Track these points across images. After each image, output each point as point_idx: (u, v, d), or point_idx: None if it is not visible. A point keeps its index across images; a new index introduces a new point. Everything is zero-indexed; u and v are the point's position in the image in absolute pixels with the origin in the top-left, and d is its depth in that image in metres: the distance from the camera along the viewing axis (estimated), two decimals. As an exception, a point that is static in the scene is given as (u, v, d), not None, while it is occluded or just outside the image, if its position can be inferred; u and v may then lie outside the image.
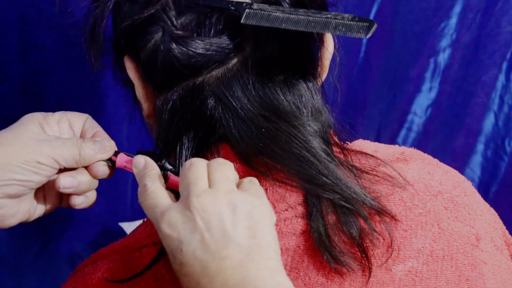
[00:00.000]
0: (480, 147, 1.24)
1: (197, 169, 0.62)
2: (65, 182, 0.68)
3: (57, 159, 0.66)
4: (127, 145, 1.09)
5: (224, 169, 0.62)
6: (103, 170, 0.70)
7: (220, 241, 0.57)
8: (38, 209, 0.71)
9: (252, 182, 0.63)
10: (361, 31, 0.65)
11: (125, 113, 1.08)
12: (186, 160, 0.68)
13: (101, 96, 1.06)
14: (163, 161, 0.69)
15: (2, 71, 0.98)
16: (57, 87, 1.02)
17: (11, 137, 0.66)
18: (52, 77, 1.01)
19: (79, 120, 0.73)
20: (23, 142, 0.66)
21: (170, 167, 0.69)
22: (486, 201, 0.80)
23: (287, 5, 0.68)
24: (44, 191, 0.71)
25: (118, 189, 1.14)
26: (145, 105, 0.74)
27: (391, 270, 0.67)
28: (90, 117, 0.73)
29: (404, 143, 1.24)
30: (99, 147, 0.69)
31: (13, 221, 0.68)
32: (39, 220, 0.72)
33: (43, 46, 0.99)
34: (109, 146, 0.70)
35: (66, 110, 1.03)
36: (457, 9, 1.19)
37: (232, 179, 0.62)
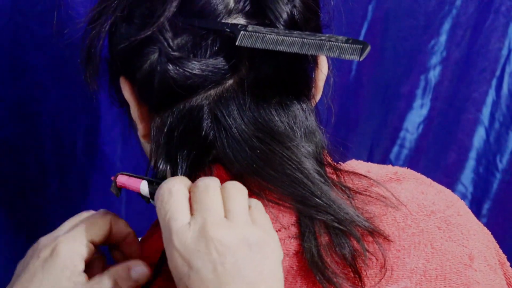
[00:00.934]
0: (471, 163, 1.24)
1: (213, 192, 0.62)
2: None
3: None
4: (120, 166, 1.09)
5: (241, 197, 0.63)
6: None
7: (230, 275, 0.58)
8: None
9: (258, 209, 0.64)
10: (355, 53, 0.65)
11: (119, 133, 1.08)
12: None
13: (95, 117, 1.06)
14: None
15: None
16: (50, 109, 1.02)
17: None
18: (46, 99, 1.01)
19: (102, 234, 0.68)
20: None
21: None
22: (479, 218, 0.80)
23: (282, 27, 0.69)
24: None
25: (112, 208, 1.14)
26: (140, 126, 0.74)
27: (384, 291, 0.67)
28: (113, 223, 0.69)
29: (396, 159, 1.25)
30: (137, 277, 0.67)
31: None
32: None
33: (35, 68, 0.99)
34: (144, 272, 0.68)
35: (59, 130, 1.04)
36: (446, 26, 1.20)
37: (247, 209, 0.62)
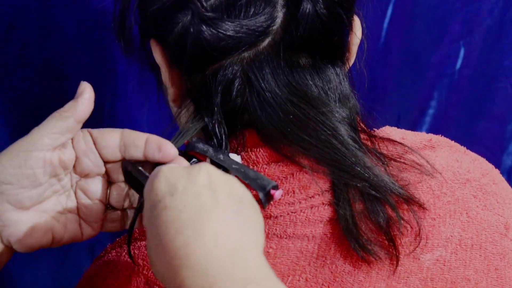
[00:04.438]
0: (502, 132, 1.23)
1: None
2: None
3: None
4: (147, 130, 1.08)
5: None
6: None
7: (214, 206, 0.54)
8: (68, 231, 0.67)
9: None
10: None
11: (145, 97, 1.07)
12: (219, 146, 0.68)
13: (121, 80, 1.06)
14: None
15: (24, 54, 0.98)
16: (77, 71, 1.02)
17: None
18: (73, 61, 1.01)
19: (109, 137, 0.66)
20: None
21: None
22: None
23: None
24: (80, 215, 0.68)
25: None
26: (171, 90, 0.73)
27: (419, 259, 0.66)
28: (127, 130, 0.67)
29: (425, 129, 1.23)
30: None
31: (30, 241, 0.64)
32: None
33: (64, 29, 0.98)
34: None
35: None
36: (479, -6, 1.19)
37: None
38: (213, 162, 0.68)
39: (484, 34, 1.20)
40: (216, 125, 0.68)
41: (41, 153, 0.62)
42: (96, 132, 0.66)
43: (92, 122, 1.06)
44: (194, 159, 0.71)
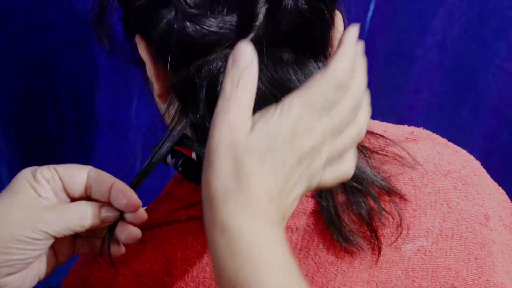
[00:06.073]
0: (485, 120, 1.25)
1: None
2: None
3: (53, 234, 0.62)
4: (135, 122, 1.09)
5: None
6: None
7: None
8: (49, 266, 0.67)
9: None
10: None
11: (135, 90, 1.08)
12: (205, 141, 0.68)
13: (111, 75, 1.06)
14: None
15: (13, 50, 0.98)
16: (68, 66, 1.02)
17: (2, 213, 0.62)
18: (64, 56, 1.01)
19: (76, 176, 0.66)
20: (15, 219, 0.61)
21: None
22: (486, 170, 0.81)
23: None
24: (54, 245, 0.67)
25: (123, 162, 1.14)
26: (156, 85, 0.73)
27: (400, 249, 0.67)
28: (93, 169, 0.66)
29: (409, 121, 1.25)
30: (105, 216, 0.65)
31: None
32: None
33: (54, 24, 0.98)
34: (114, 215, 0.65)
35: (77, 87, 1.04)
36: (459, -15, 1.20)
37: None
38: (198, 157, 0.69)
39: (465, 25, 1.21)
40: (202, 120, 0.69)
41: None
42: (62, 170, 0.65)
43: (82, 117, 1.07)
44: (180, 153, 0.72)
